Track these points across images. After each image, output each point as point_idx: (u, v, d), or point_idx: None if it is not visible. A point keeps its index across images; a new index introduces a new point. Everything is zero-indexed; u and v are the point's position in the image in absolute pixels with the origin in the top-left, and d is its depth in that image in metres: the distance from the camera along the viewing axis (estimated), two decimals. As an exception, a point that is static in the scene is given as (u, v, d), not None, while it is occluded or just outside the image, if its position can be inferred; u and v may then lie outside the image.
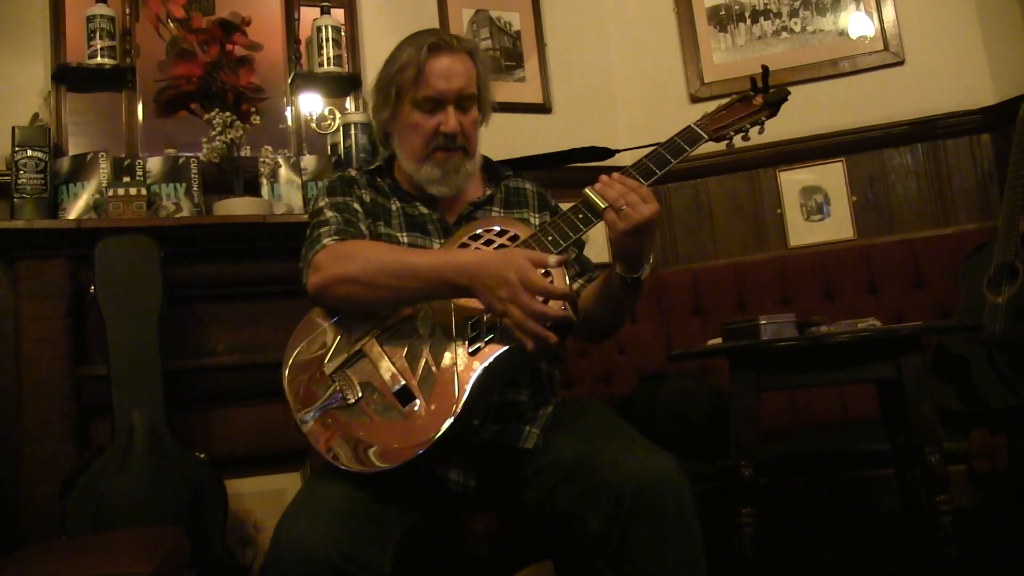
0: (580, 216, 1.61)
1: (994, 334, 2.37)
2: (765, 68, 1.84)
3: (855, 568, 2.48)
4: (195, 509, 2.29)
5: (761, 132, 1.80)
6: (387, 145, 1.93)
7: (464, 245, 1.68)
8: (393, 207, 1.84)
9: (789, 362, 1.99)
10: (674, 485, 1.47)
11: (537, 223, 1.89)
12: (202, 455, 2.38)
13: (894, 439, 2.16)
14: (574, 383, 2.92)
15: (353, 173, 1.90)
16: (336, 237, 1.69)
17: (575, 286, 1.84)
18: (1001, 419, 2.24)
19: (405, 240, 1.79)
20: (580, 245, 1.90)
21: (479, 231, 1.71)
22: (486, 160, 1.97)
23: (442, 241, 1.79)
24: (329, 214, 1.76)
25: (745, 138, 1.79)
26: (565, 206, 1.87)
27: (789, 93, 1.82)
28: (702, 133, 1.72)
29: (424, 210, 1.85)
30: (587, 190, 1.61)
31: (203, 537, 2.28)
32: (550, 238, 1.61)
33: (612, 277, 1.68)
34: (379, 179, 1.90)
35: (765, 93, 1.81)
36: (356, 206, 1.80)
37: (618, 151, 1.65)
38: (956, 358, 2.41)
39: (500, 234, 1.68)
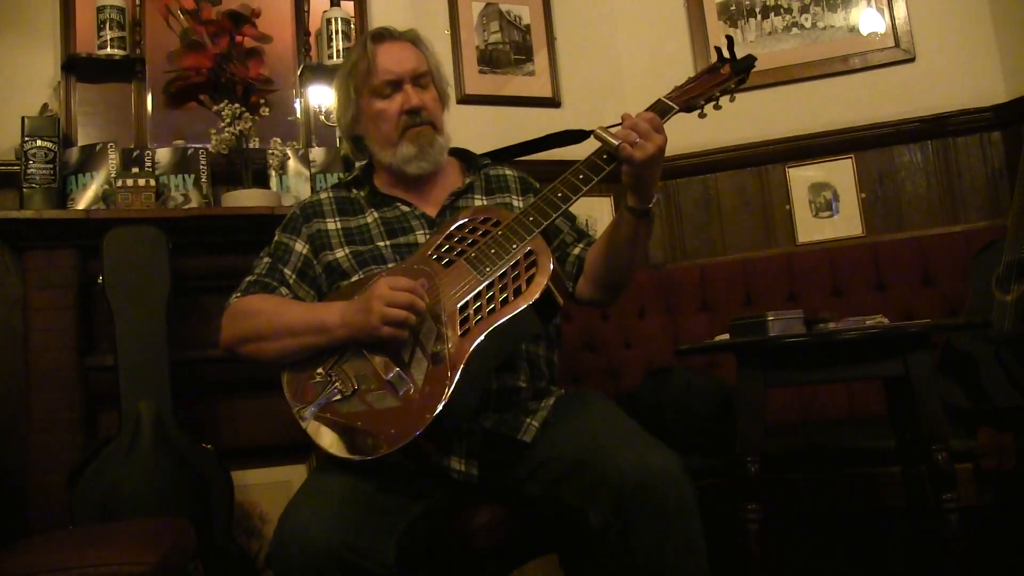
0: (604, 157, 1.66)
1: (1002, 332, 2.36)
2: (729, 38, 1.85)
3: (860, 565, 2.48)
4: (201, 500, 2.30)
5: (732, 100, 1.80)
6: (359, 153, 1.98)
7: (451, 235, 1.70)
8: (369, 219, 1.86)
9: (796, 358, 1.99)
10: (674, 481, 1.46)
11: (521, 207, 1.88)
12: (208, 446, 2.39)
13: (901, 436, 2.16)
14: (581, 378, 2.92)
15: (322, 196, 1.93)
16: (239, 294, 1.80)
17: (576, 251, 1.87)
18: (1008, 417, 2.23)
19: (388, 249, 1.80)
20: (571, 217, 1.93)
21: (464, 220, 1.73)
22: (463, 151, 2.01)
23: (428, 234, 1.80)
24: (263, 260, 1.86)
25: (716, 106, 1.79)
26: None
27: (755, 59, 1.82)
28: (672, 104, 1.73)
29: (405, 208, 1.87)
30: (597, 130, 1.64)
31: (209, 528, 2.29)
32: (559, 194, 1.65)
33: (622, 216, 1.70)
34: (355, 190, 1.92)
35: (732, 62, 1.81)
36: (298, 247, 1.84)
37: (591, 132, 1.66)
38: (964, 356, 2.40)
39: (484, 221, 1.70)
